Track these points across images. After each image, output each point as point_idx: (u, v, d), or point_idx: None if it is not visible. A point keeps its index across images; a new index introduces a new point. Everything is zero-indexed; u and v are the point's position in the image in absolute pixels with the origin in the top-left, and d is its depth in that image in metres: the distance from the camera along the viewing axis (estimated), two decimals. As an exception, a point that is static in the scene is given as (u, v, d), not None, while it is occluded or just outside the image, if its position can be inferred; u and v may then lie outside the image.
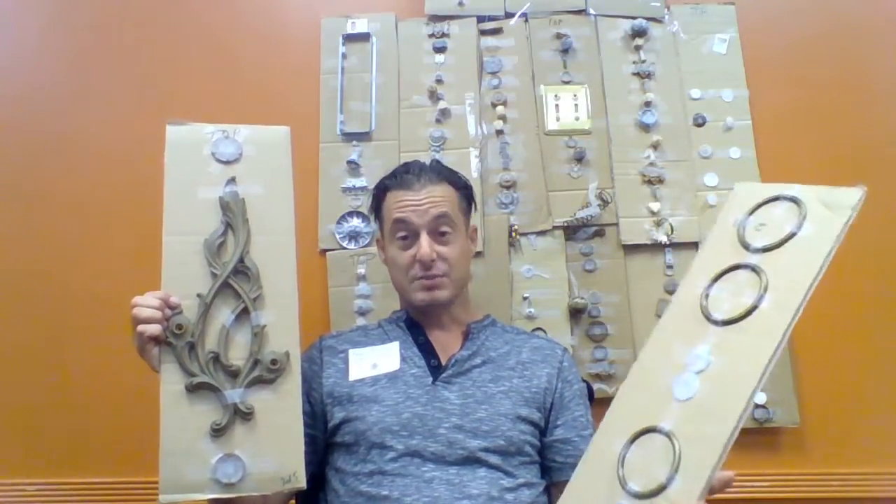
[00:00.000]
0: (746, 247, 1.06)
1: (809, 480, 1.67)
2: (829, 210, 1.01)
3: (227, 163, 1.19)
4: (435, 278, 1.38)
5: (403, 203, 1.39)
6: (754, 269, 1.02)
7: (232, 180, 1.18)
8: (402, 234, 1.40)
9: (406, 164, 1.50)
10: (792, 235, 1.02)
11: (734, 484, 1.65)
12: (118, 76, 1.88)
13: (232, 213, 1.16)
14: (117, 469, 1.69)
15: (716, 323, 1.01)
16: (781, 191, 1.08)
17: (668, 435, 0.95)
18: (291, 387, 1.13)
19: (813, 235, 1.01)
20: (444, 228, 1.40)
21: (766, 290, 0.99)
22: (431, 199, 1.39)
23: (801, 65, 1.85)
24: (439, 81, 1.83)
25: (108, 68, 1.88)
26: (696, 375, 0.98)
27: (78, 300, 1.76)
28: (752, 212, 1.09)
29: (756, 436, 1.67)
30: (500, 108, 1.81)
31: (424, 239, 1.37)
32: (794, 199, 1.05)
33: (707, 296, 1.05)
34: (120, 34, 1.89)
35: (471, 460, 1.26)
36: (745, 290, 1.01)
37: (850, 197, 1.01)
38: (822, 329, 1.71)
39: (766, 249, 1.03)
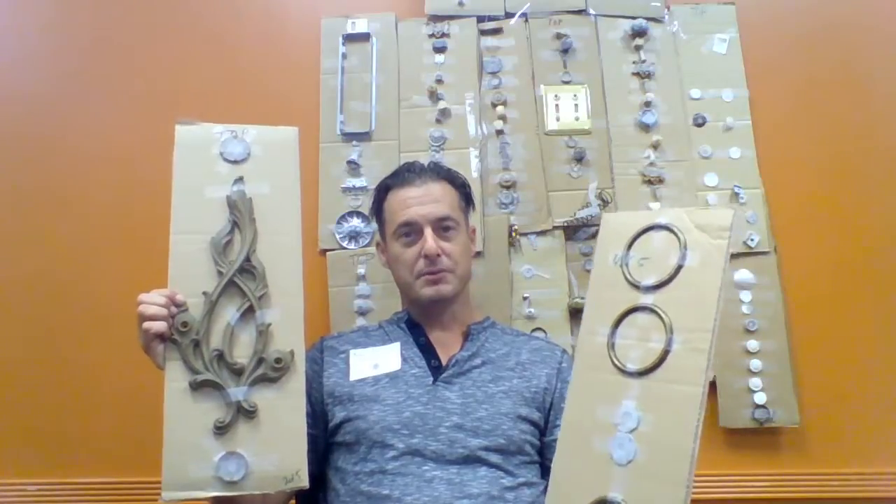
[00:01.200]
0: (636, 286, 1.04)
1: (809, 480, 1.67)
2: (707, 233, 1.00)
3: (235, 162, 1.19)
4: (440, 272, 1.38)
5: (407, 201, 1.41)
6: (653, 309, 1.01)
7: (239, 180, 1.18)
8: (405, 231, 1.41)
9: (405, 164, 1.52)
10: (679, 268, 1.00)
11: (735, 483, 1.67)
12: (118, 76, 1.87)
13: (239, 213, 1.16)
14: (117, 469, 1.68)
15: (632, 374, 0.99)
16: (652, 220, 1.06)
17: None
18: (295, 386, 1.13)
19: (699, 266, 0.99)
20: (448, 224, 1.41)
21: (671, 331, 0.98)
22: (432, 195, 1.41)
23: (801, 65, 1.85)
24: (439, 81, 1.83)
25: (108, 69, 1.87)
26: (629, 436, 0.97)
27: (78, 300, 1.76)
28: (629, 246, 1.07)
29: (756, 436, 1.68)
30: (500, 108, 1.81)
31: (429, 234, 1.38)
32: (668, 228, 1.04)
33: (613, 345, 1.03)
34: (120, 34, 1.89)
35: (471, 459, 1.26)
36: (649, 333, 1.00)
37: (724, 219, 0.99)
38: (822, 329, 1.72)
39: (657, 286, 1.02)
